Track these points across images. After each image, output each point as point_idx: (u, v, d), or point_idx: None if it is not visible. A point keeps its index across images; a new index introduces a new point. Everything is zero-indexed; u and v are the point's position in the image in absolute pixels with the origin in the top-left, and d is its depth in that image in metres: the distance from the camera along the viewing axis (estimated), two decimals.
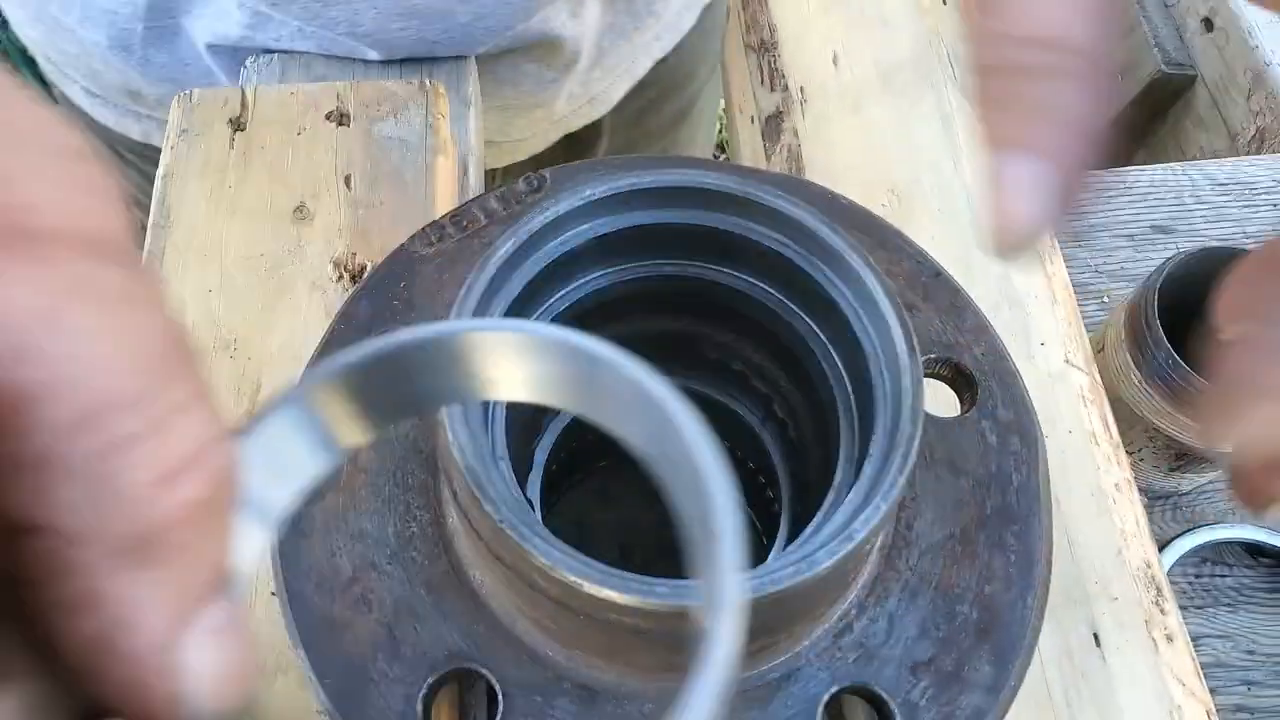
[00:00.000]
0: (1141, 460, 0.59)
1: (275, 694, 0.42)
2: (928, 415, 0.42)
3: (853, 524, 0.31)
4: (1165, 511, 0.65)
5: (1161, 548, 0.62)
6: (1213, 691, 0.51)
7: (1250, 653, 0.60)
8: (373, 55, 0.64)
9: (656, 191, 0.37)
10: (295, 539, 0.39)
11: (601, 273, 0.41)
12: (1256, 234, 0.72)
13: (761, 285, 0.40)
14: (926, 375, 0.43)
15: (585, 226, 0.38)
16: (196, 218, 0.54)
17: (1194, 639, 0.49)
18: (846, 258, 0.35)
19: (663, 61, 0.81)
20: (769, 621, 0.34)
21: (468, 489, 0.32)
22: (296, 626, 0.38)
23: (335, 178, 0.56)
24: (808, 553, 0.31)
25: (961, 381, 0.44)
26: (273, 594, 0.45)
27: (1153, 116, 0.95)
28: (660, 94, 0.85)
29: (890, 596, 0.39)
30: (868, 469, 0.34)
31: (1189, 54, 0.92)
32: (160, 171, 0.56)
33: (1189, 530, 0.62)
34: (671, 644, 0.34)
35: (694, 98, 0.91)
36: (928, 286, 0.45)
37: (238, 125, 0.57)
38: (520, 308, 0.39)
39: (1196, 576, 0.63)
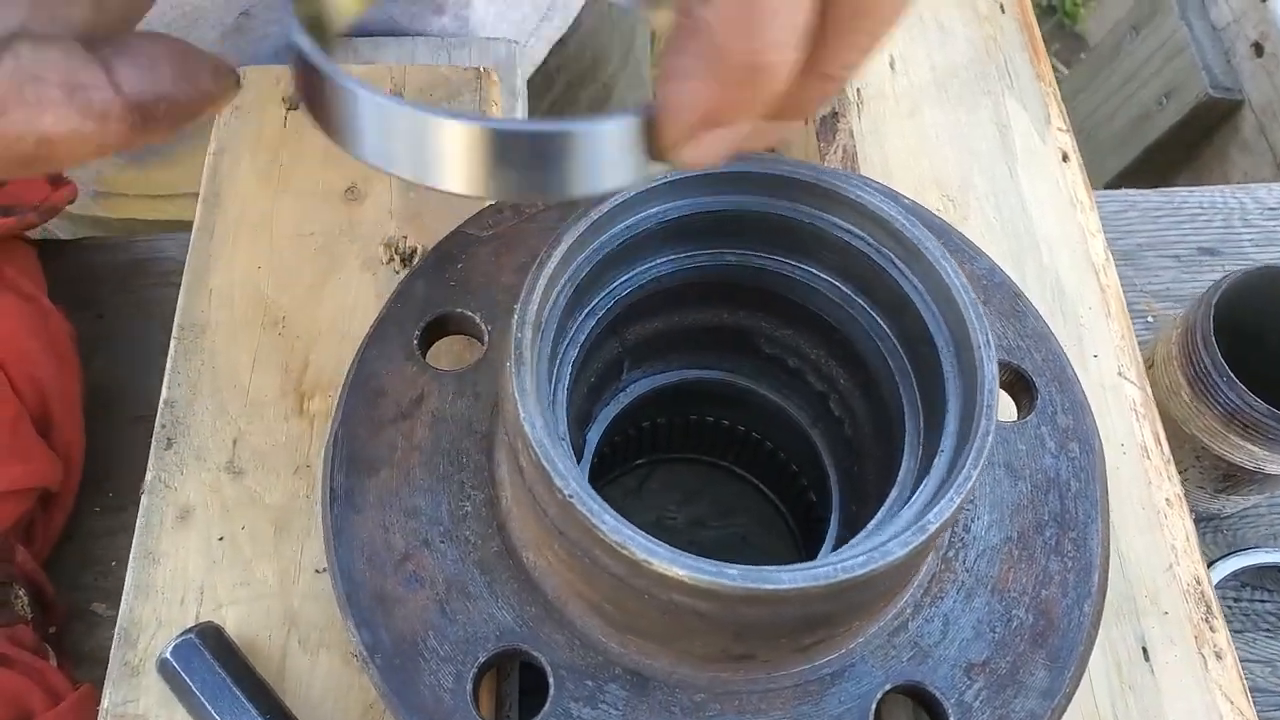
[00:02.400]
0: (1187, 480, 0.58)
1: (318, 670, 0.42)
2: None
3: (926, 515, 0.31)
4: (1206, 534, 0.64)
5: None
6: None
7: None
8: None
9: (733, 176, 0.36)
10: (348, 513, 0.39)
11: (665, 259, 0.41)
12: None
13: (827, 278, 0.40)
14: None
15: (655, 210, 0.38)
16: (247, 194, 0.54)
17: None
18: (925, 252, 0.35)
19: (562, 45, 0.80)
20: (830, 613, 0.33)
21: (537, 463, 0.31)
22: (348, 601, 0.37)
23: None
24: (879, 543, 0.31)
25: (1021, 386, 0.43)
26: (318, 571, 0.45)
27: (1198, 140, 0.95)
28: (571, 83, 0.86)
29: (946, 597, 0.39)
30: (939, 462, 0.33)
31: (1237, 78, 0.91)
32: (211, 148, 0.56)
33: (1231, 554, 0.61)
34: (730, 630, 0.33)
35: (610, 86, 0.91)
36: (988, 289, 0.45)
37: (291, 104, 0.57)
38: (584, 292, 0.39)
39: (1236, 600, 0.62)
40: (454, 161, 0.26)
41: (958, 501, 0.31)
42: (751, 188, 0.37)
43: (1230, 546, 0.63)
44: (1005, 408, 0.45)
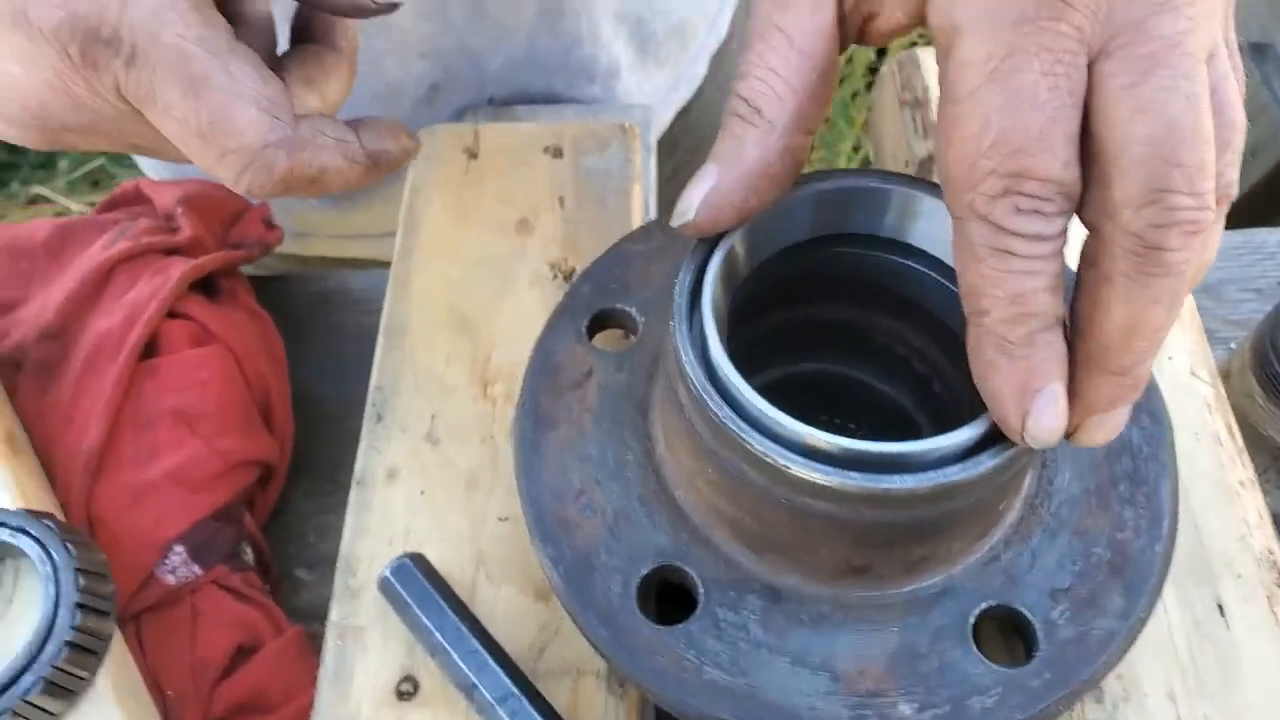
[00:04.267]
0: (1267, 481, 0.63)
1: (500, 598, 0.51)
2: None
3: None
4: None
5: None
6: None
7: None
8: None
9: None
10: (534, 458, 0.48)
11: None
12: None
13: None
14: None
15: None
16: (437, 225, 0.65)
17: None
18: None
19: (685, 111, 0.90)
20: (934, 521, 0.41)
21: (696, 394, 0.40)
22: (536, 523, 0.46)
23: (551, 199, 0.66)
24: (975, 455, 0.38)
25: None
26: (500, 520, 0.54)
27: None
28: (692, 146, 0.97)
29: (1033, 536, 0.46)
30: None
31: None
32: (408, 186, 0.67)
33: None
34: (855, 536, 0.41)
35: None
36: (1069, 290, 0.52)
37: (472, 154, 0.69)
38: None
39: None
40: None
41: None
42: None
43: None
44: None
